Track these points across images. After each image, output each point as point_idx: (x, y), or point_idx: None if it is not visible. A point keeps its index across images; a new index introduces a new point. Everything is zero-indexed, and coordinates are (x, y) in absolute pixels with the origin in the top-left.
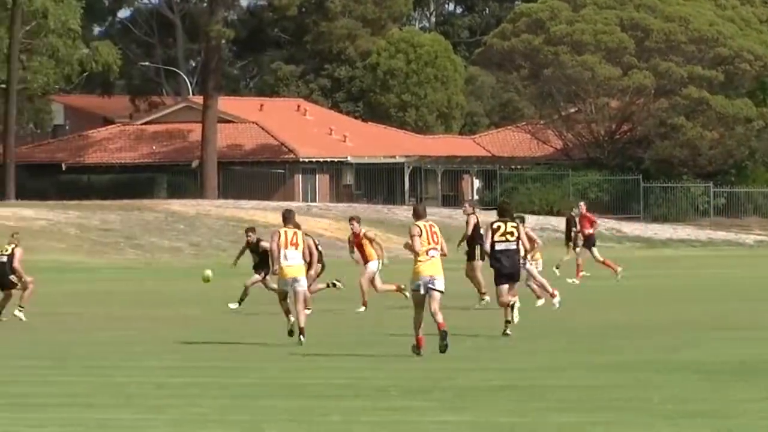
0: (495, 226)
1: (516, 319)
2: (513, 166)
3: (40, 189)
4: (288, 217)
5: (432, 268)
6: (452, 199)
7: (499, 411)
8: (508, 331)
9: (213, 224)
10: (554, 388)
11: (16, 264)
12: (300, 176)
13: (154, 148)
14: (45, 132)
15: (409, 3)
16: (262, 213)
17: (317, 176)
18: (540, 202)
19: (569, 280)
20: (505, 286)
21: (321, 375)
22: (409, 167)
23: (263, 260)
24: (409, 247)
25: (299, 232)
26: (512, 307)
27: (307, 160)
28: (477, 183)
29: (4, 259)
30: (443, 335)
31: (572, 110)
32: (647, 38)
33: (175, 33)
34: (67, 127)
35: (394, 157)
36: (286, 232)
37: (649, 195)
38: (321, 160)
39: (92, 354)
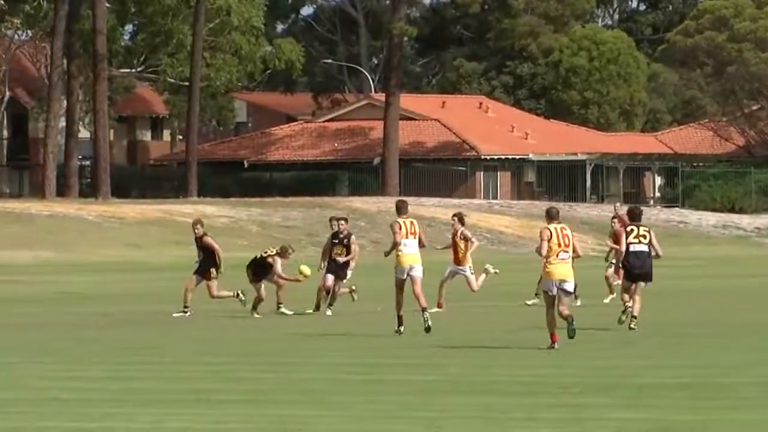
0: (629, 229)
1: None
2: (695, 164)
3: (223, 186)
4: (402, 208)
5: (563, 271)
6: (634, 196)
7: (679, 409)
8: (632, 325)
9: None
10: (737, 385)
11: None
12: (481, 174)
13: (336, 145)
14: (228, 129)
15: (592, 0)
16: (444, 210)
17: (498, 173)
18: (721, 200)
19: None
20: (633, 285)
21: (503, 372)
22: (590, 164)
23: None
24: (539, 250)
25: (416, 222)
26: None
27: (488, 157)
28: (658, 180)
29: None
30: (570, 320)
31: (755, 107)
32: None
33: (358, 30)
34: (249, 125)
35: (575, 154)
36: (404, 222)
37: None
38: (503, 157)
39: (278, 350)
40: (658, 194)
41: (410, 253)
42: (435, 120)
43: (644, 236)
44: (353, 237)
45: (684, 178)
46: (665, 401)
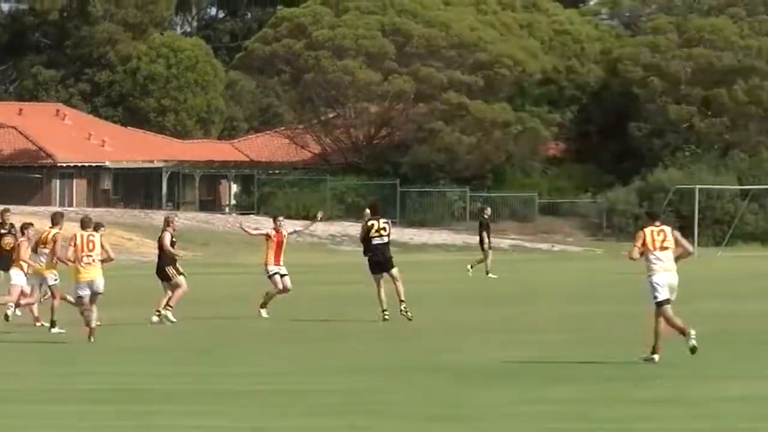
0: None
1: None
2: (271, 171)
3: None
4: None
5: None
6: (210, 204)
7: (251, 415)
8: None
9: None
10: (314, 392)
11: None
12: (57, 181)
13: None
14: None
15: (171, 7)
16: (19, 217)
17: (74, 181)
18: (296, 207)
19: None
20: None
21: (84, 380)
22: (167, 172)
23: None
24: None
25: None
26: None
27: (64, 164)
28: (234, 188)
29: None
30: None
31: (332, 115)
32: (408, 43)
33: None
34: None
35: (152, 161)
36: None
37: (405, 200)
38: (79, 164)
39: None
40: (233, 201)
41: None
42: (12, 128)
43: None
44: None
45: (260, 185)
46: (238, 408)
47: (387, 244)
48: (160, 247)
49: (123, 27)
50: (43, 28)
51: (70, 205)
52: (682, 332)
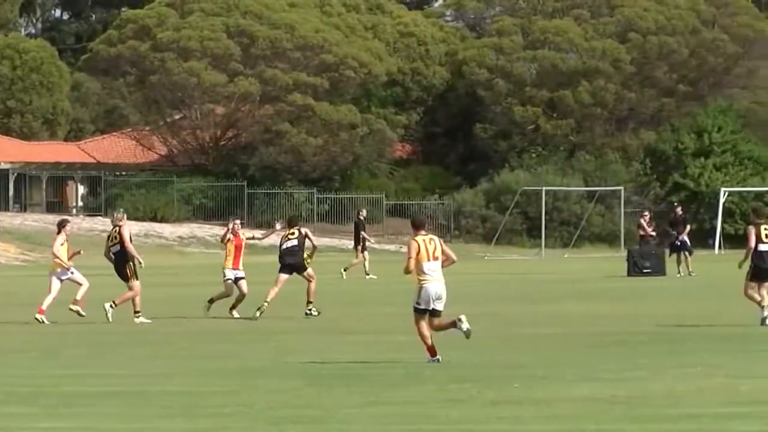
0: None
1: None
2: (118, 173)
3: None
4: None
5: None
6: (57, 205)
7: (104, 416)
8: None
9: None
10: (161, 394)
11: None
12: None
13: None
14: None
15: (15, 9)
16: None
17: None
18: (144, 209)
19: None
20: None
21: None
22: (14, 174)
23: None
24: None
25: None
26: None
27: None
28: (82, 189)
29: None
30: None
31: (177, 117)
32: (253, 45)
33: None
34: None
35: None
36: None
37: (253, 201)
38: None
39: None
40: (81, 203)
41: None
42: None
43: None
44: None
45: (107, 187)
46: (92, 409)
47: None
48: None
49: None
50: None
51: None
52: (453, 325)
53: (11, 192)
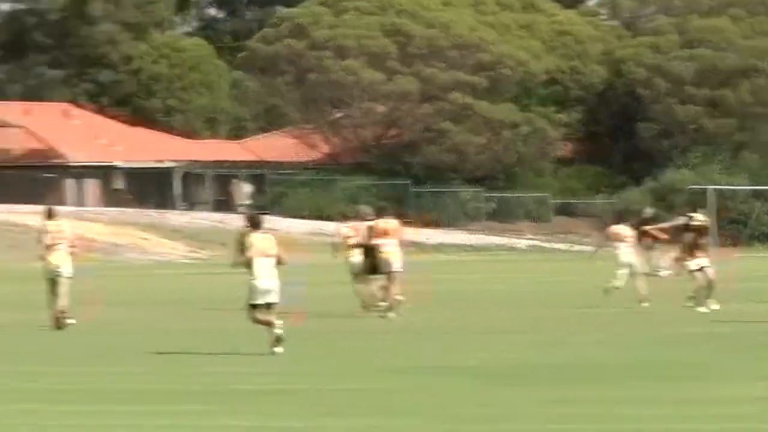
0: None
1: None
2: (281, 171)
3: None
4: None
5: None
6: (224, 203)
7: (281, 415)
8: None
9: None
10: (336, 392)
11: None
12: (69, 181)
13: None
14: None
15: (171, 7)
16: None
17: (86, 181)
18: (310, 207)
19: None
20: None
21: (109, 380)
22: (179, 172)
23: None
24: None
25: None
26: None
27: (76, 164)
28: (248, 187)
29: None
30: None
31: (338, 115)
32: (409, 44)
33: None
34: None
35: (162, 161)
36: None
37: (419, 199)
38: (90, 164)
39: None
40: (247, 201)
41: None
42: (20, 127)
43: None
44: None
45: (271, 185)
46: (267, 407)
47: None
48: None
49: (123, 27)
50: (45, 27)
51: (84, 204)
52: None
53: (179, 190)
